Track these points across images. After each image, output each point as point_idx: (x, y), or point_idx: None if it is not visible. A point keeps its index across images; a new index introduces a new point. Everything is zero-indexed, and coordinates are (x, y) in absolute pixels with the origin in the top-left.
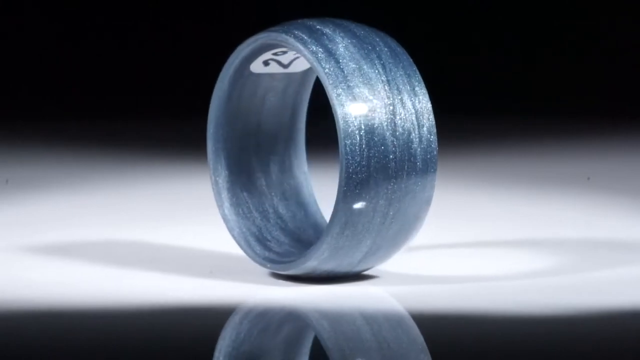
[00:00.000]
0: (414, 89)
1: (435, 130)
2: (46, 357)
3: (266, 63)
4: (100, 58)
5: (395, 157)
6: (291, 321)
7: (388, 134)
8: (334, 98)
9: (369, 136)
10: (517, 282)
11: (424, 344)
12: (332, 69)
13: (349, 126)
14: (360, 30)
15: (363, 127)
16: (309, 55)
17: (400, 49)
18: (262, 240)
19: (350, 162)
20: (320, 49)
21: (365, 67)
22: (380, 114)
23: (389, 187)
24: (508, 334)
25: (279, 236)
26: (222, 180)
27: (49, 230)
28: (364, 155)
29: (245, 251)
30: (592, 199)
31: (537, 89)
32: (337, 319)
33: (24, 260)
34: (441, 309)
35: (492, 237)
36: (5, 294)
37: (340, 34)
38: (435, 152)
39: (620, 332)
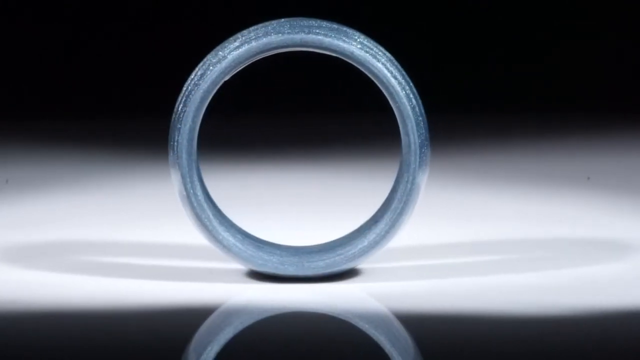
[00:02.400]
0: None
1: None
2: (44, 357)
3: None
4: (100, 57)
5: (428, 141)
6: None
7: (424, 118)
8: (400, 91)
9: (425, 123)
10: (515, 282)
11: (414, 344)
12: (384, 62)
13: (418, 117)
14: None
15: (420, 115)
16: (358, 51)
17: None
18: (260, 247)
19: (422, 153)
20: (363, 44)
21: (387, 55)
22: (418, 98)
23: (426, 173)
24: (507, 334)
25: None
26: (200, 194)
27: (49, 230)
28: (425, 145)
29: (260, 265)
30: (592, 198)
31: (535, 88)
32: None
33: (23, 261)
34: (435, 309)
35: (489, 237)
36: (4, 294)
37: (342, 26)
38: None
39: (620, 332)
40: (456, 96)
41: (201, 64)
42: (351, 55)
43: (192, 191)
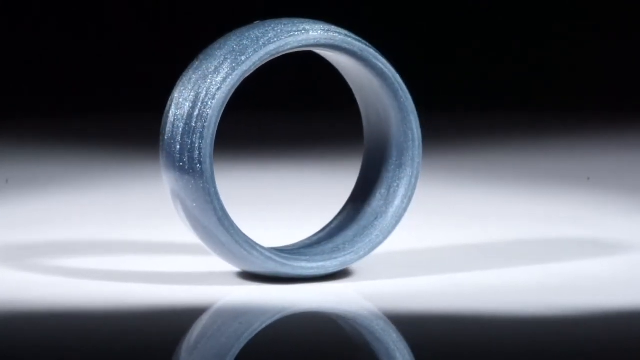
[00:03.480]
0: None
1: None
2: (43, 357)
3: None
4: (99, 57)
5: None
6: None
7: None
8: (404, 87)
9: None
10: (513, 282)
11: (408, 345)
12: (385, 58)
13: (417, 113)
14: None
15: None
16: (367, 49)
17: None
18: (271, 250)
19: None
20: (364, 42)
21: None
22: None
23: None
24: (504, 334)
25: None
26: (221, 199)
27: (48, 230)
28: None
29: (273, 268)
30: (592, 198)
31: (535, 88)
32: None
33: (23, 261)
34: (431, 309)
35: (485, 236)
36: (4, 294)
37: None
38: None
39: (620, 332)
40: (454, 96)
41: (200, 65)
42: (359, 53)
43: (216, 196)
